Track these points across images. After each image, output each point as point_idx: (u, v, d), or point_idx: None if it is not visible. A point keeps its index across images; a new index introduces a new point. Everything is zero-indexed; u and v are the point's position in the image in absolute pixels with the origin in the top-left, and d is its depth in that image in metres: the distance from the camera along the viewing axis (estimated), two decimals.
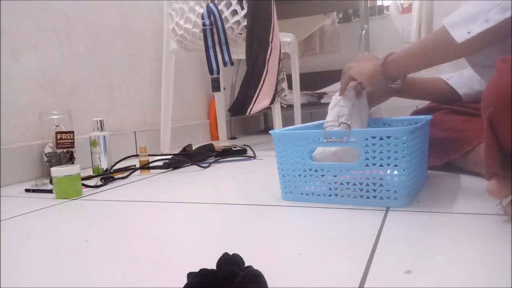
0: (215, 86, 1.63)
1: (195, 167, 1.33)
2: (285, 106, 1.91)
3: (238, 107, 1.59)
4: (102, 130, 1.29)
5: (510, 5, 0.66)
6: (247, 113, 1.57)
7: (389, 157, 0.71)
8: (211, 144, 1.53)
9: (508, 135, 0.56)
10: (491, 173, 0.61)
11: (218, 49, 1.59)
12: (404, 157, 0.70)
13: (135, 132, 1.77)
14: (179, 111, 2.06)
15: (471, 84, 1.04)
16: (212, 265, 0.41)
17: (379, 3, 2.81)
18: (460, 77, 1.06)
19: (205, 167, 1.32)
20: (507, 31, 0.68)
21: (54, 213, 0.85)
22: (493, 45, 0.74)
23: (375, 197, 0.74)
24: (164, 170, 1.32)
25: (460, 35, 0.70)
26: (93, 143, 1.27)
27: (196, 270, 0.40)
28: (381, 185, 0.73)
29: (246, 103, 1.56)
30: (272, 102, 1.59)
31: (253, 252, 0.56)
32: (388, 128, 0.90)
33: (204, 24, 1.54)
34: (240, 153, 1.51)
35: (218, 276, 0.39)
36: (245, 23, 1.55)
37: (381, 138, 0.71)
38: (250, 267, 0.41)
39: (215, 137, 2.29)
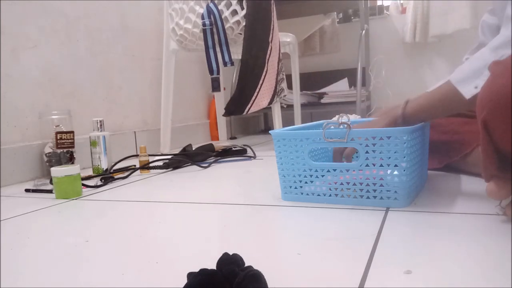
0: (215, 86, 1.63)
1: (195, 167, 1.33)
2: (285, 106, 1.91)
3: (235, 106, 1.58)
4: (102, 130, 1.29)
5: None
6: (245, 113, 1.57)
7: (389, 157, 0.71)
8: (211, 144, 1.53)
9: (503, 137, 0.56)
10: (489, 175, 0.61)
11: (218, 49, 1.59)
12: (404, 157, 0.70)
13: (135, 132, 1.77)
14: (179, 111, 2.06)
15: None
16: (212, 265, 0.41)
17: (379, 3, 2.81)
18: None
19: (205, 167, 1.32)
20: None
21: (54, 213, 0.85)
22: None
23: (375, 197, 0.74)
24: (164, 170, 1.32)
25: (468, 92, 0.72)
26: (93, 143, 1.27)
27: (196, 270, 0.40)
28: (381, 185, 0.73)
29: (244, 102, 1.56)
30: (270, 102, 1.59)
31: (253, 252, 0.56)
32: (388, 128, 0.89)
33: (204, 24, 1.54)
34: (240, 153, 1.51)
35: (218, 276, 0.39)
36: (245, 23, 1.55)
37: (381, 138, 0.71)
38: (250, 267, 0.41)
39: (215, 137, 2.29)
